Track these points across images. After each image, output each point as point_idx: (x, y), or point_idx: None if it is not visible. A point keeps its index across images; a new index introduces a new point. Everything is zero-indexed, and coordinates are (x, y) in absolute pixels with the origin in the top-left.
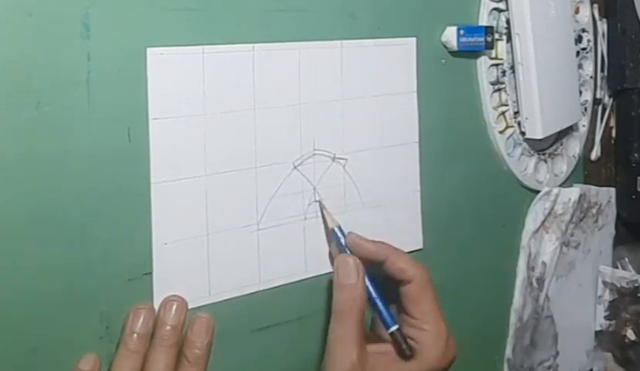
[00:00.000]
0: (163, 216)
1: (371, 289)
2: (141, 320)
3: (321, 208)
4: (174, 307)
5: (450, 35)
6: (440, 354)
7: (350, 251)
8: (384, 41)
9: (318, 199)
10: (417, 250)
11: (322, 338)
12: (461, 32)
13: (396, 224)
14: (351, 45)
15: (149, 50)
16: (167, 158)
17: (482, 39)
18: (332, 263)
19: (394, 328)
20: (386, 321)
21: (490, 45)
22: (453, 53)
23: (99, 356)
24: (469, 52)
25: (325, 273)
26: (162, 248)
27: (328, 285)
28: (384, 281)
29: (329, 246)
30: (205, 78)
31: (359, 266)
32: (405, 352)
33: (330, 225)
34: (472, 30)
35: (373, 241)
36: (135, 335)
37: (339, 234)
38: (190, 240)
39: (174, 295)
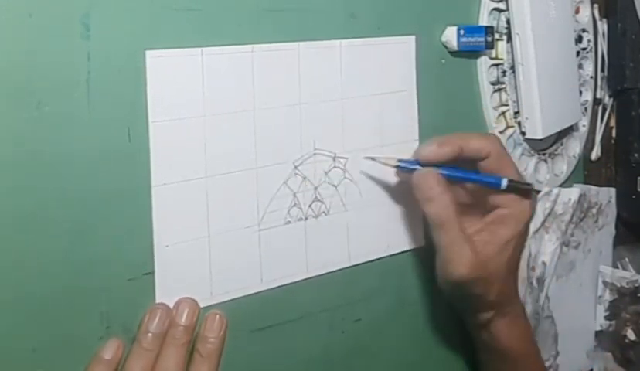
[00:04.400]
0: (164, 219)
1: (457, 173)
2: (156, 320)
3: (375, 161)
4: (187, 308)
5: (450, 35)
6: (528, 208)
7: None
8: (383, 40)
9: (368, 155)
10: (418, 248)
11: (322, 338)
12: (461, 32)
13: (397, 222)
14: (350, 44)
15: (148, 53)
16: (167, 160)
17: (482, 39)
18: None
19: (505, 181)
20: (493, 183)
21: (490, 45)
22: (453, 53)
23: (123, 343)
24: (469, 52)
25: (326, 273)
26: (164, 250)
27: (328, 285)
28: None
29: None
30: (205, 80)
31: (436, 175)
32: (530, 189)
33: (393, 164)
34: (472, 30)
35: (439, 143)
36: (150, 335)
37: (407, 164)
38: (191, 242)
39: (187, 297)
